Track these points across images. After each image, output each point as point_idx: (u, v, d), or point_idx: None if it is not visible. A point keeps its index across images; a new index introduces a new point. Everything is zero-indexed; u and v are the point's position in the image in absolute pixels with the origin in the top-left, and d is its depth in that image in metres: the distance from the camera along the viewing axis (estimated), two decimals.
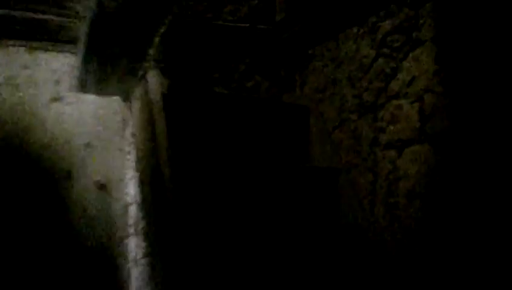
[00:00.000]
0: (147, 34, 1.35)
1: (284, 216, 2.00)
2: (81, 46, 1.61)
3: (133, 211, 2.05)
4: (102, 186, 1.95)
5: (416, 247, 1.72)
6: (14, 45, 1.91)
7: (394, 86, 1.86)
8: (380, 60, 1.92)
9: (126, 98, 2.04)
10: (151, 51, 1.53)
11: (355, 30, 2.06)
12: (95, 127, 1.98)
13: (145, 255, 1.89)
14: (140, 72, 1.76)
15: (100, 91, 1.84)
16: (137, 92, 1.94)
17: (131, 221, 2.04)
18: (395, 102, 1.86)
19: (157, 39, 1.42)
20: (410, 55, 1.79)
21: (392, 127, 1.87)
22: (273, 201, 1.98)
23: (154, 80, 1.87)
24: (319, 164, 2.23)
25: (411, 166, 1.77)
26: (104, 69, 1.67)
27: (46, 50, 1.89)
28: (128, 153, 2.10)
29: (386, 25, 1.89)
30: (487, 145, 1.49)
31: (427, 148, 1.71)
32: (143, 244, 1.91)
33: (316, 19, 2.22)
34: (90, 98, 1.97)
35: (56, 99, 1.95)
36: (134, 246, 1.98)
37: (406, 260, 1.76)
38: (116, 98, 2.03)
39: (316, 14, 2.21)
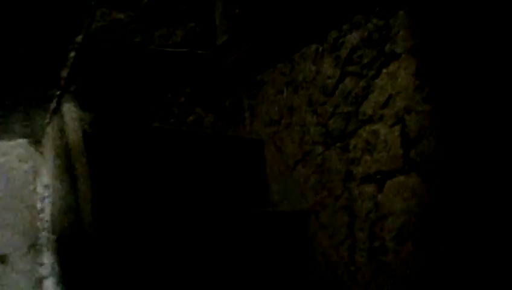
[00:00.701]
0: (57, 46, 0.97)
1: (240, 275, 1.61)
2: None
3: (49, 286, 1.57)
4: (3, 259, 1.47)
5: None
6: None
7: (366, 109, 1.58)
8: (347, 80, 1.65)
9: (36, 140, 1.60)
10: (64, 73, 1.13)
11: (313, 48, 1.79)
12: None
13: None
14: (53, 105, 1.34)
15: None
16: (51, 131, 1.51)
17: None
18: (369, 127, 1.58)
19: (71, 55, 1.03)
20: (384, 71, 1.53)
21: (368, 157, 1.57)
22: (227, 257, 1.60)
23: (71, 115, 1.45)
24: (281, 207, 1.88)
25: (396, 201, 1.48)
26: (0, 101, 1.24)
27: None
28: (41, 211, 1.63)
29: (352, 39, 1.63)
30: (489, 168, 1.23)
31: (415, 178, 1.42)
32: None
33: (264, 39, 1.93)
34: None
35: None
36: None
37: None
38: (22, 141, 1.58)
39: (264, 33, 1.92)
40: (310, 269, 1.72)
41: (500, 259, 1.19)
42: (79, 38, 0.95)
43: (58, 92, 1.25)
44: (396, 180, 1.48)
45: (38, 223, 1.65)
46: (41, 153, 1.62)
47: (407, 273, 1.43)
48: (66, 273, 1.50)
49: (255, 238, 1.68)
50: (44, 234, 1.63)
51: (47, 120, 1.46)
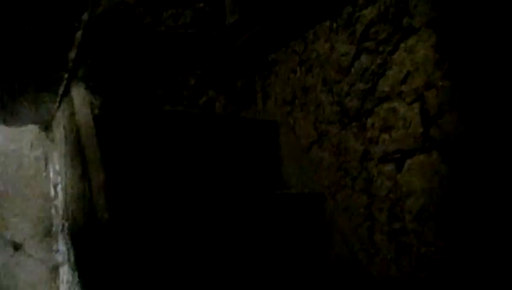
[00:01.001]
0: (63, 25, 0.93)
1: (256, 257, 1.58)
2: None
3: (65, 273, 1.55)
4: (18, 246, 1.45)
5: (434, 283, 1.36)
6: None
7: (384, 86, 1.53)
8: (363, 57, 1.59)
9: (46, 126, 1.57)
10: (72, 54, 1.09)
11: (327, 25, 1.73)
12: (3, 167, 1.49)
13: None
14: (61, 89, 1.31)
15: (7, 119, 1.36)
16: (60, 116, 1.48)
17: (63, 287, 1.55)
18: (387, 105, 1.52)
19: (78, 34, 1.00)
20: (402, 46, 1.47)
21: (386, 136, 1.52)
22: (240, 240, 1.57)
23: (81, 99, 1.42)
24: (296, 189, 1.84)
25: (417, 181, 1.43)
26: (8, 86, 1.21)
27: None
28: (54, 197, 1.61)
29: (367, 14, 1.57)
30: None
31: (436, 157, 1.37)
32: None
33: (275, 17, 1.87)
34: None
35: None
36: None
37: None
38: (32, 127, 1.56)
39: (275, 11, 1.86)
40: (327, 252, 1.69)
41: None
42: (85, 16, 0.90)
43: (66, 75, 1.21)
44: (417, 159, 1.43)
45: (52, 210, 1.63)
46: (52, 138, 1.59)
47: (428, 255, 1.39)
48: (80, 261, 1.48)
49: (270, 221, 1.64)
50: (58, 221, 1.62)
51: (56, 105, 1.43)
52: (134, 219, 1.36)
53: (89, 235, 1.33)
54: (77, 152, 1.42)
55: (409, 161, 1.46)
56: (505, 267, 1.19)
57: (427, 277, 1.38)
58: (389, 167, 1.51)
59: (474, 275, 1.26)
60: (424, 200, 1.40)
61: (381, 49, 1.53)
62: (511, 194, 1.18)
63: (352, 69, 1.63)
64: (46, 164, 1.60)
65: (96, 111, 1.46)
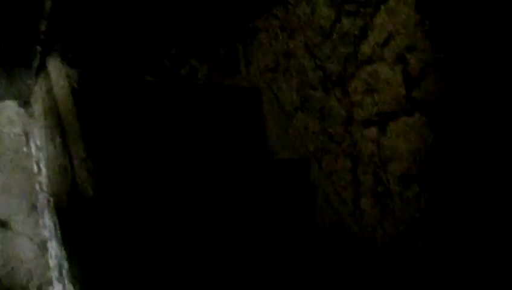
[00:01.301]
0: None
1: (240, 227, 1.59)
2: None
3: (53, 248, 1.56)
4: (4, 223, 1.44)
5: (416, 244, 1.38)
6: None
7: (365, 49, 1.51)
8: (344, 20, 1.57)
9: (25, 101, 1.54)
10: (42, 26, 1.06)
11: None
12: None
13: None
14: (36, 62, 1.27)
15: None
16: (38, 90, 1.45)
17: (52, 262, 1.55)
18: (368, 68, 1.51)
19: (47, 4, 0.96)
20: (382, 8, 1.45)
21: (369, 100, 1.52)
22: (227, 207, 1.57)
23: (58, 72, 1.39)
24: (281, 155, 1.84)
25: (400, 143, 1.43)
26: None
27: None
28: (37, 173, 1.60)
29: None
30: (495, 105, 1.17)
31: (419, 118, 1.37)
32: None
33: None
34: None
35: None
36: None
37: (401, 260, 1.43)
38: (10, 103, 1.53)
39: None
40: (313, 216, 1.71)
41: (505, 197, 1.16)
42: None
43: (39, 48, 1.18)
44: (400, 122, 1.43)
45: (37, 186, 1.62)
46: (32, 114, 1.57)
47: (412, 216, 1.41)
48: (67, 235, 1.48)
49: (255, 188, 1.65)
50: (43, 196, 1.61)
51: (33, 79, 1.40)
52: (118, 192, 1.35)
53: (73, 209, 1.32)
54: (57, 127, 1.40)
55: (392, 124, 1.46)
56: (488, 227, 1.21)
57: (411, 239, 1.41)
58: (372, 130, 1.51)
59: (457, 237, 1.28)
60: (407, 162, 1.41)
61: (362, 11, 1.51)
62: (494, 153, 1.19)
63: (334, 33, 1.61)
64: (27, 140, 1.58)
65: (75, 84, 1.43)
